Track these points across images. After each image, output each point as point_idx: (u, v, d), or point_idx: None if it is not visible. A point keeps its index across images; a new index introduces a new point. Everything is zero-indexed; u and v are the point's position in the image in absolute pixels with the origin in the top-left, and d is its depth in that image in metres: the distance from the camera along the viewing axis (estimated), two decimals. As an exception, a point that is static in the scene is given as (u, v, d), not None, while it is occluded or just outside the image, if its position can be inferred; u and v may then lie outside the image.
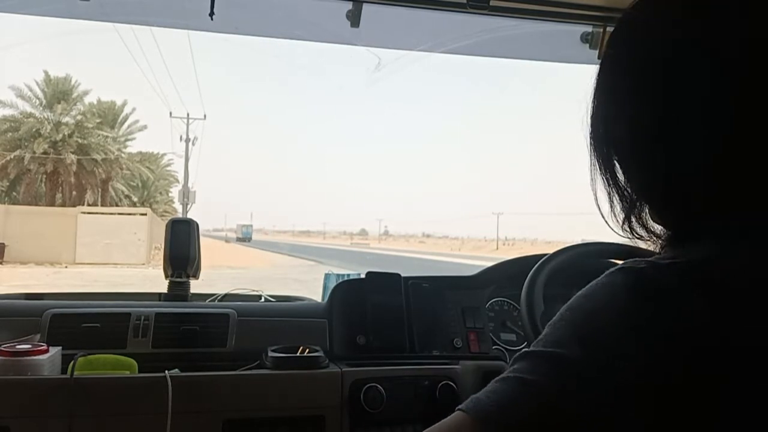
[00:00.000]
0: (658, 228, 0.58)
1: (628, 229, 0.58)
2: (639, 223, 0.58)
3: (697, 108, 0.51)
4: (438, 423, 0.50)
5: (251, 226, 44.14)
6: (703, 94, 0.51)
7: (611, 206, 0.59)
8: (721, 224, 0.52)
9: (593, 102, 0.59)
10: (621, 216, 0.58)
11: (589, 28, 1.54)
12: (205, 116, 27.33)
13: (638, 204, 0.57)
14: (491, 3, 1.38)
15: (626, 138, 0.56)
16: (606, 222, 0.59)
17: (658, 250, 0.57)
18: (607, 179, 0.58)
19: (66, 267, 18.93)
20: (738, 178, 0.51)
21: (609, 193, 0.58)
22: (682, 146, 0.52)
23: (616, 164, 0.58)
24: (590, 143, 0.59)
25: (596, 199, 0.59)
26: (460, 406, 0.50)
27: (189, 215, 16.85)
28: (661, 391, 0.45)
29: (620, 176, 0.58)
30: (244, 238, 38.27)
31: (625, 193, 0.58)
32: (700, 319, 0.46)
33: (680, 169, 0.53)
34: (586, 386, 0.46)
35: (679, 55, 0.52)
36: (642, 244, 0.59)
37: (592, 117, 0.59)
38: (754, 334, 0.45)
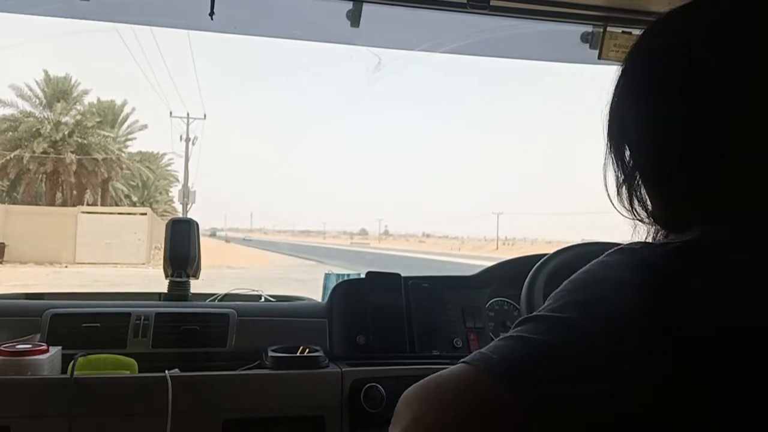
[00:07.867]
0: (657, 210, 0.62)
1: (629, 208, 0.64)
2: (640, 205, 0.63)
3: (710, 110, 0.55)
4: (441, 371, 0.51)
5: (218, 228, 75.41)
6: (717, 100, 0.55)
7: (618, 187, 0.64)
8: (717, 218, 0.55)
9: (613, 95, 0.64)
10: (625, 195, 0.64)
11: (589, 28, 1.54)
12: (205, 116, 27.20)
13: (641, 188, 0.63)
14: (491, 3, 1.38)
15: (637, 130, 0.61)
16: (611, 200, 0.65)
17: (653, 237, 0.63)
18: (617, 163, 0.64)
19: (66, 267, 18.93)
20: (739, 177, 0.54)
21: (617, 176, 0.64)
22: (688, 142, 0.57)
23: (627, 150, 0.63)
24: (606, 129, 0.65)
25: (605, 180, 0.65)
26: (464, 359, 0.51)
27: (189, 215, 16.91)
28: (657, 356, 0.47)
29: (629, 161, 0.63)
30: (213, 234, 63.32)
31: (632, 177, 0.63)
32: (694, 301, 0.48)
33: (683, 163, 0.58)
34: (584, 342, 0.48)
35: (694, 67, 0.57)
36: (642, 227, 0.64)
37: (610, 108, 0.65)
38: (748, 324, 0.47)
